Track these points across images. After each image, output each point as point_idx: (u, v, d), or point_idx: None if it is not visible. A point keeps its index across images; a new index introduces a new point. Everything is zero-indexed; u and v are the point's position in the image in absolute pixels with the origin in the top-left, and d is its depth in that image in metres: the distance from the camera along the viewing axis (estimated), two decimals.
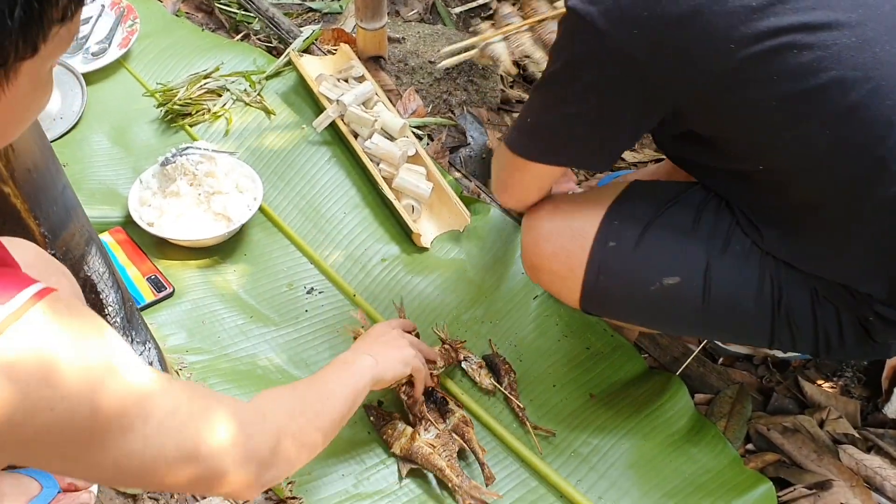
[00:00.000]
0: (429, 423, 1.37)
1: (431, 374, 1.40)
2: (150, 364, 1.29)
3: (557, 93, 1.09)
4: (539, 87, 1.13)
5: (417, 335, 1.46)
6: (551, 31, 1.61)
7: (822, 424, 1.40)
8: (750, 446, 1.41)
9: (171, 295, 1.57)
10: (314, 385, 1.10)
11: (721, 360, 1.56)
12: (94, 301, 1.15)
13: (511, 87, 2.28)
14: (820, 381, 1.51)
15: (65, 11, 0.65)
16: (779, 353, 1.52)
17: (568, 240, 1.24)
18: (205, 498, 1.31)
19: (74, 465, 0.74)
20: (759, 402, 1.47)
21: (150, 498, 1.31)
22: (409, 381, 1.37)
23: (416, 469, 1.35)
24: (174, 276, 1.61)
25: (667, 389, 1.47)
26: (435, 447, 1.33)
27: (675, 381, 1.47)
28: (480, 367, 1.49)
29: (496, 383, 1.46)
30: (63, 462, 0.74)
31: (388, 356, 1.26)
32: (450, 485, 1.31)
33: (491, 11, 2.58)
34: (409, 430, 1.37)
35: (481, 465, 1.34)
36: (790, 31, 0.94)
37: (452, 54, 1.78)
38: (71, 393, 0.67)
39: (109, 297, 1.17)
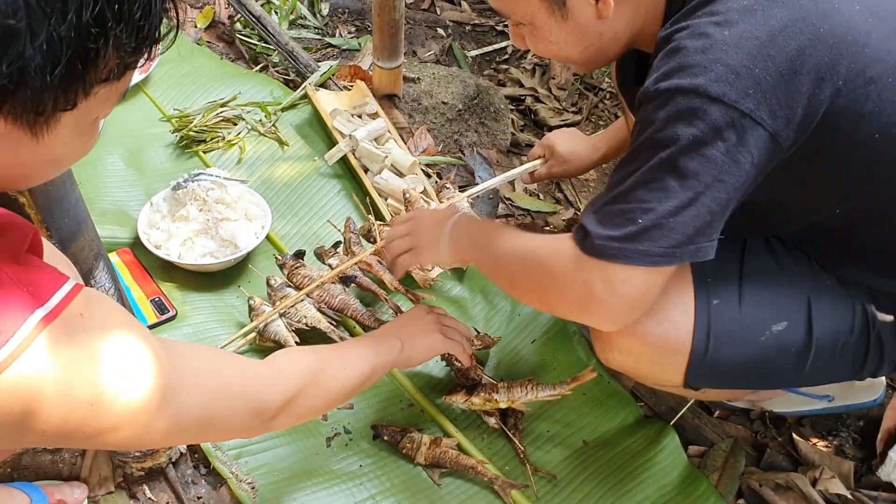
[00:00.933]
0: (490, 386, 1.42)
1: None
2: None
3: (674, 182, 0.97)
4: (642, 183, 1.00)
5: None
6: None
7: (814, 483, 1.39)
8: (741, 502, 1.40)
9: (173, 318, 1.59)
10: (337, 353, 1.16)
11: (717, 413, 1.56)
12: None
13: (521, 130, 2.32)
14: (814, 440, 1.50)
15: (109, 73, 0.68)
16: (776, 409, 1.53)
17: (672, 309, 1.14)
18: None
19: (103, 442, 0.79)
20: (752, 457, 1.47)
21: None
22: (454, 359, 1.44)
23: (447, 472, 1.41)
24: (178, 300, 1.63)
25: (660, 439, 1.47)
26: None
27: (668, 431, 1.47)
28: (493, 391, 1.43)
29: (502, 423, 1.45)
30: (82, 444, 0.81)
31: (418, 342, 1.31)
32: (485, 479, 1.38)
33: (506, 56, 2.64)
34: (428, 437, 1.42)
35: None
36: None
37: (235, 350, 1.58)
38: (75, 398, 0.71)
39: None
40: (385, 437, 1.44)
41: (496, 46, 2.66)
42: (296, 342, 1.49)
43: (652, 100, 0.99)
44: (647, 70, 1.05)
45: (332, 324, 1.54)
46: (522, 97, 2.45)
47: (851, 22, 0.97)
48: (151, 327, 1.56)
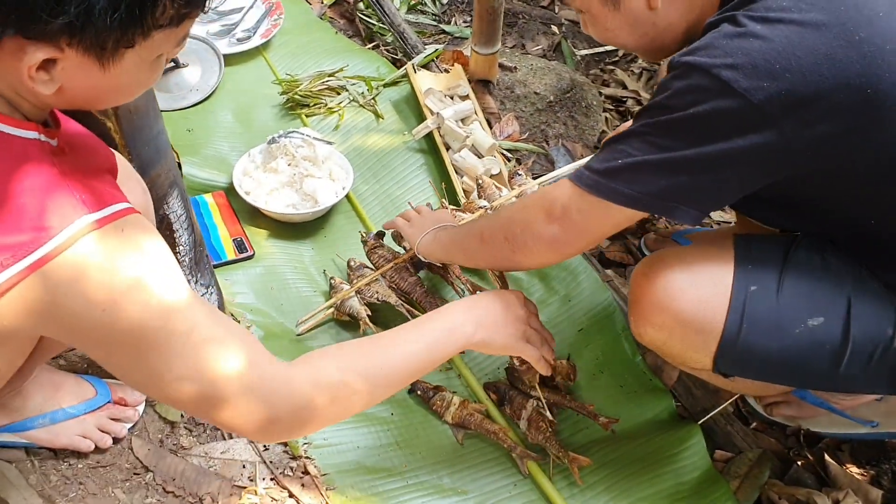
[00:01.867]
0: (537, 401, 1.45)
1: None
2: None
3: (666, 141, 1.03)
4: (639, 133, 1.06)
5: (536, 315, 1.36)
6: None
7: None
8: None
9: (250, 257, 1.73)
10: (380, 347, 1.09)
11: (754, 424, 1.54)
12: (168, 238, 1.31)
13: (615, 129, 2.34)
14: (850, 466, 1.46)
15: (169, 20, 0.81)
16: (815, 428, 1.50)
17: (708, 289, 1.16)
18: (231, 437, 1.44)
19: (99, 354, 0.90)
20: (779, 470, 1.45)
21: (184, 427, 1.46)
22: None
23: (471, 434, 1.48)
24: (257, 243, 1.78)
25: (687, 438, 1.47)
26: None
27: (696, 431, 1.47)
28: (541, 413, 1.45)
29: (547, 437, 1.44)
30: (91, 350, 0.91)
31: (500, 333, 1.21)
32: (505, 446, 1.43)
33: (616, 58, 2.65)
34: (458, 399, 1.49)
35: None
36: None
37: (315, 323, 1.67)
38: (97, 300, 0.82)
39: (182, 237, 1.33)
40: (418, 392, 1.52)
41: (608, 48, 2.68)
42: (368, 315, 1.58)
43: (673, 69, 1.04)
44: None
45: (402, 300, 1.62)
46: (624, 98, 2.47)
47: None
48: (229, 262, 1.71)
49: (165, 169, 1.25)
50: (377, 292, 1.62)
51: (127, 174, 1.17)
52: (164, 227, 1.29)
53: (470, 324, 1.17)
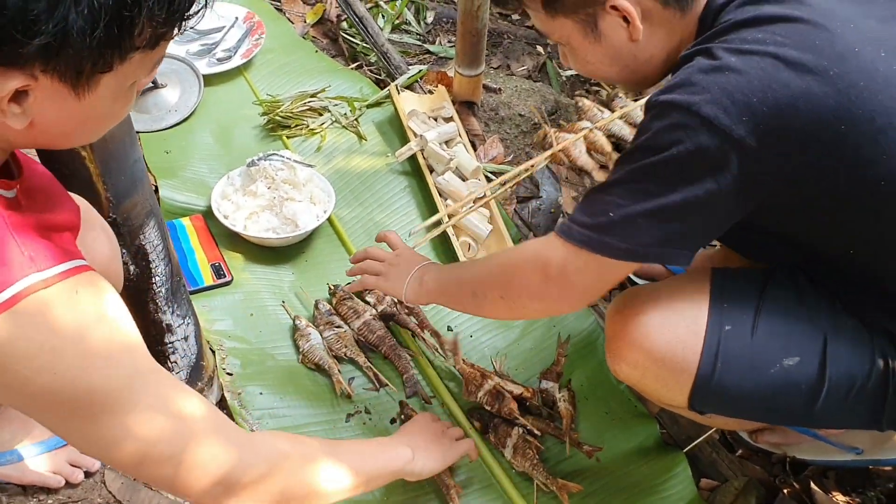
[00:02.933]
0: (522, 428, 1.47)
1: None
2: (186, 339, 1.40)
3: (653, 187, 1.02)
4: (624, 181, 1.05)
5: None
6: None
7: None
8: None
9: (228, 283, 1.70)
10: (339, 449, 1.13)
11: (739, 451, 1.52)
12: (144, 268, 1.28)
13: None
14: (836, 494, 1.45)
15: (143, 42, 0.77)
16: (801, 455, 1.48)
17: (683, 328, 1.15)
18: None
19: (45, 419, 0.85)
20: (764, 499, 1.43)
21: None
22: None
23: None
24: (236, 268, 1.75)
25: (672, 467, 1.45)
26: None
27: (681, 459, 1.45)
28: (527, 440, 1.46)
29: (534, 464, 1.42)
30: (36, 415, 0.84)
31: (429, 452, 1.30)
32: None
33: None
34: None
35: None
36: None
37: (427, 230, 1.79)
38: (42, 364, 0.77)
39: (159, 268, 1.30)
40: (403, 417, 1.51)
41: None
42: (339, 370, 1.57)
43: (651, 109, 1.03)
44: None
45: (368, 362, 1.59)
46: None
47: (870, 68, 0.97)
48: (207, 288, 1.68)
49: (142, 198, 1.22)
50: (345, 347, 1.60)
51: (91, 223, 1.12)
52: (140, 258, 1.26)
53: (409, 449, 1.27)
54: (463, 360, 1.58)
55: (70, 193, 1.01)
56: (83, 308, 0.80)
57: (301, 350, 1.60)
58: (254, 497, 0.95)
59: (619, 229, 1.04)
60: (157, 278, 1.32)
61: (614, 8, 1.09)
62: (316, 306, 1.67)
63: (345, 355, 1.59)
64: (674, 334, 1.15)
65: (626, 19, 1.10)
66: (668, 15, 1.11)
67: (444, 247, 1.84)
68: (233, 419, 1.46)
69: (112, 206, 1.20)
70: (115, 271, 1.21)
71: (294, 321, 1.65)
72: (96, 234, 1.13)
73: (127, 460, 0.86)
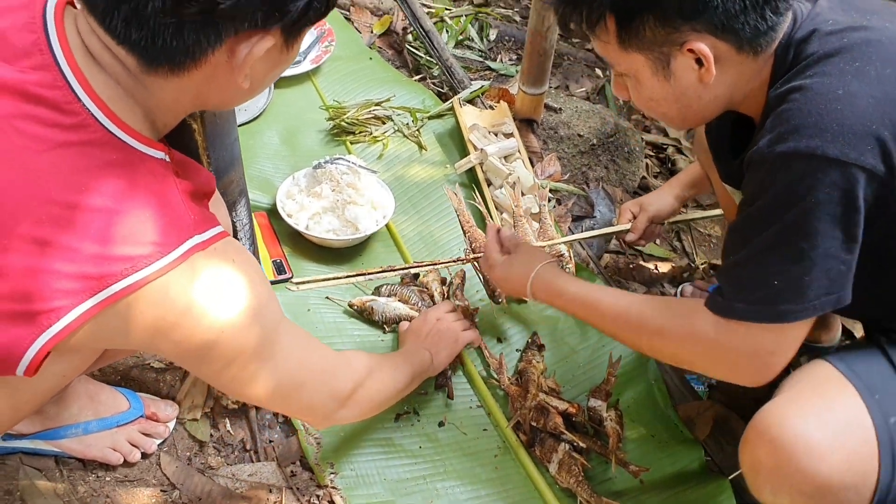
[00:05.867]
0: (569, 444, 1.49)
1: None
2: None
3: (805, 243, 1.01)
4: (774, 246, 1.04)
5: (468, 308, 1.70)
6: None
7: None
8: None
9: (289, 279, 1.74)
10: (387, 358, 1.36)
11: None
12: None
13: (655, 176, 2.34)
14: None
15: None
16: None
17: (854, 440, 1.04)
18: (259, 460, 1.44)
19: (191, 364, 0.99)
20: None
21: (213, 446, 1.46)
22: None
23: None
24: (296, 265, 1.79)
25: (716, 494, 1.45)
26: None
27: (725, 486, 1.44)
28: (573, 456, 1.47)
29: (579, 481, 1.44)
30: (183, 360, 1.00)
31: (440, 347, 1.52)
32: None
33: None
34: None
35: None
36: None
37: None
38: (207, 320, 0.89)
39: (245, 245, 1.35)
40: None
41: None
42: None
43: (768, 163, 1.02)
44: (746, 130, 1.08)
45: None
46: (665, 146, 2.47)
47: None
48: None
49: (237, 176, 1.27)
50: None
51: (216, 197, 1.20)
52: (231, 234, 1.31)
53: (427, 353, 1.48)
54: (508, 378, 1.60)
55: None
56: (235, 268, 0.90)
57: (377, 311, 1.68)
58: (357, 403, 1.19)
59: (788, 294, 1.04)
60: None
61: (691, 51, 1.06)
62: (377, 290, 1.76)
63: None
64: (850, 449, 1.04)
65: (699, 62, 1.08)
66: (741, 58, 1.09)
67: None
68: None
69: None
70: None
71: (353, 306, 1.71)
72: (218, 206, 1.20)
73: (273, 398, 1.05)
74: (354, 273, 1.76)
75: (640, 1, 1.05)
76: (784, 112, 1.02)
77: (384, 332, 1.70)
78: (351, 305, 1.70)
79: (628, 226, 1.77)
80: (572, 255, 1.81)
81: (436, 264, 1.76)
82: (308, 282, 1.73)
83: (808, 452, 1.02)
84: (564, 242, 1.79)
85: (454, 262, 1.75)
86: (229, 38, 0.82)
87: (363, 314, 1.70)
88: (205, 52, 0.82)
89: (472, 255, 1.73)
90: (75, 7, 0.87)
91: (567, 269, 1.76)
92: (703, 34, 1.05)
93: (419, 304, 1.71)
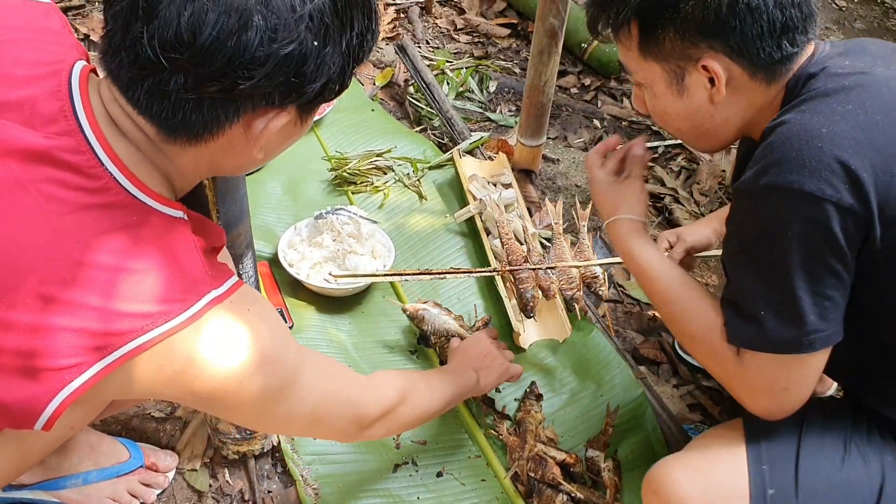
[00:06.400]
0: (567, 494, 1.50)
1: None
2: None
3: (782, 272, 1.04)
4: (756, 277, 1.08)
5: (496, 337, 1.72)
6: None
7: None
8: None
9: (290, 329, 1.76)
10: (425, 378, 1.37)
11: None
12: None
13: (652, 226, 2.37)
14: None
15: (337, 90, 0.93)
16: None
17: (725, 502, 1.13)
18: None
19: (218, 411, 1.07)
20: None
21: (212, 497, 1.47)
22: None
23: None
24: (297, 315, 1.81)
25: None
26: None
27: None
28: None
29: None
30: (210, 408, 1.06)
31: (490, 371, 1.54)
32: None
33: (656, 155, 2.70)
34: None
35: None
36: None
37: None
38: (226, 371, 0.92)
39: None
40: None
41: (649, 145, 2.73)
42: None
43: (751, 194, 1.05)
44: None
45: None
46: (662, 195, 2.50)
47: None
48: None
49: (245, 230, 1.29)
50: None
51: (223, 251, 1.23)
52: None
53: (474, 373, 1.50)
54: (507, 428, 1.61)
55: None
56: (251, 318, 0.93)
57: (427, 320, 1.72)
58: (384, 425, 1.20)
59: (777, 322, 1.06)
60: None
61: (705, 68, 1.10)
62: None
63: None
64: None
65: (711, 81, 1.11)
66: (754, 85, 1.12)
67: (496, 307, 1.89)
68: (284, 462, 1.51)
69: None
70: None
71: (406, 311, 1.76)
72: (225, 258, 1.23)
73: (298, 430, 1.17)
74: (391, 272, 1.81)
75: (664, 11, 1.09)
76: (770, 145, 1.05)
77: (427, 346, 1.75)
78: (404, 310, 1.76)
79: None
80: (606, 278, 1.82)
81: (471, 272, 1.81)
82: (345, 276, 1.77)
83: None
84: (600, 264, 1.80)
85: (490, 272, 1.80)
86: (247, 113, 0.86)
87: (413, 321, 1.75)
88: (222, 126, 0.86)
89: (508, 268, 1.75)
90: (97, 75, 0.91)
91: (600, 293, 1.78)
92: (720, 54, 1.09)
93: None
